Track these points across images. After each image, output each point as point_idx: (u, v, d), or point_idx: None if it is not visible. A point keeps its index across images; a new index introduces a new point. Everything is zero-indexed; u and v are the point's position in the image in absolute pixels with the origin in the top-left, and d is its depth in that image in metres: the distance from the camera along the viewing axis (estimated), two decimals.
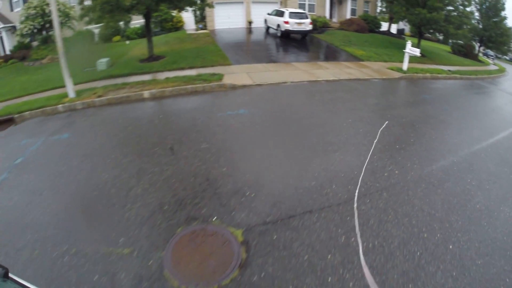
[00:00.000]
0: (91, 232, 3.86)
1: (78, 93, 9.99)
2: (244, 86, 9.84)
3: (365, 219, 3.92)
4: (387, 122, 7.23)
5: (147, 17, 13.60)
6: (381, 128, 6.80)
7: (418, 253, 3.53)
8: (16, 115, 9.56)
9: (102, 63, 13.94)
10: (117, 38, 24.41)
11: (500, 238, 3.90)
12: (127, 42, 22.07)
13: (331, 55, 16.14)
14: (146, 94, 9.46)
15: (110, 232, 3.76)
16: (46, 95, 10.88)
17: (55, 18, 9.78)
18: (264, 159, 5.31)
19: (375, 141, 6.11)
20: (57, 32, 9.77)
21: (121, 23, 19.79)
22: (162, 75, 11.07)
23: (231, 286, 3.00)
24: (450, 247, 3.70)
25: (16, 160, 6.00)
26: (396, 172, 5.02)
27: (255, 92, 9.29)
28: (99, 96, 9.70)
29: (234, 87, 9.78)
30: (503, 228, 4.10)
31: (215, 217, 3.90)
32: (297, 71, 11.86)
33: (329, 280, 3.04)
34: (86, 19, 12.98)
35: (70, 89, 10.09)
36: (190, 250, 3.43)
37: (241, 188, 4.44)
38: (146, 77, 10.99)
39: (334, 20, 27.12)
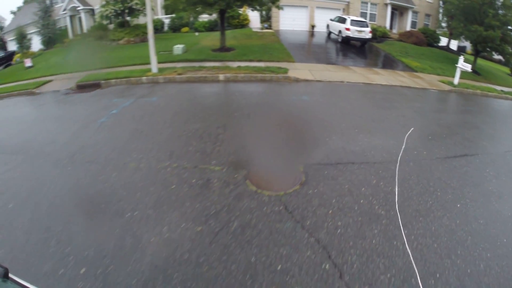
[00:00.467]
0: (189, 156, 5.77)
1: (160, 70, 12.16)
2: (306, 80, 11.56)
3: (391, 174, 5.45)
4: (425, 120, 8.58)
5: (222, 12, 15.77)
6: (419, 124, 8.16)
7: (430, 202, 4.84)
8: (102, 81, 11.88)
9: (178, 48, 16.28)
10: (186, 29, 27.16)
11: (505, 213, 4.82)
12: (196, 33, 24.56)
13: (387, 63, 17.21)
14: (221, 77, 11.45)
15: (204, 158, 5.67)
16: (128, 69, 13.39)
17: (148, 6, 11.99)
18: (319, 129, 7.03)
19: (411, 129, 7.51)
20: (148, 18, 12.07)
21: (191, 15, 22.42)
22: (233, 64, 13.04)
23: (292, 194, 4.69)
24: (458, 205, 4.85)
25: (112, 111, 8.21)
26: (424, 152, 6.47)
27: (315, 86, 10.97)
28: (179, 74, 11.82)
29: (297, 80, 11.53)
30: (509, 206, 5.02)
31: (283, 155, 5.72)
32: (354, 74, 13.34)
33: (361, 202, 4.66)
34: (169, 8, 15.30)
35: (154, 66, 12.33)
36: (267, 173, 5.24)
37: (301, 144, 6.20)
38: (219, 64, 13.01)
39: (394, 31, 27.88)
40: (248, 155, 5.79)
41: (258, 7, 17.00)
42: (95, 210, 4.34)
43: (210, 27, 26.40)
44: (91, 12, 30.47)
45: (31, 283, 1.59)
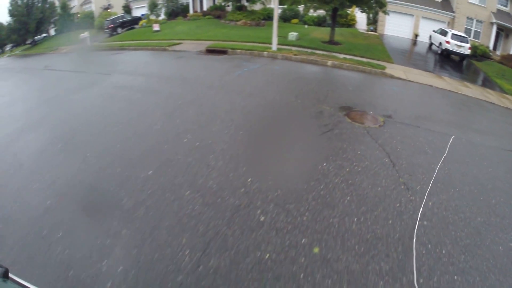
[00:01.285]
0: (308, 100, 9.29)
1: (278, 49, 16.13)
2: (398, 78, 14.59)
3: (443, 145, 8.24)
4: (494, 124, 11.03)
5: (335, 10, 19.23)
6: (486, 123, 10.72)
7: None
8: (229, 50, 16.19)
9: (293, 35, 20.11)
10: (296, 21, 30.97)
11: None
12: (306, 26, 28.08)
13: (479, 80, 18.58)
14: (329, 63, 15.01)
15: (319, 102, 9.17)
16: (250, 45, 17.65)
17: None
18: (398, 104, 10.25)
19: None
20: (275, 7, 16.15)
21: (301, 8, 26.17)
22: (339, 55, 16.51)
23: (373, 128, 7.83)
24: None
25: (244, 69, 12.23)
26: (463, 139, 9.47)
27: (406, 83, 13.81)
28: (295, 55, 15.61)
29: (392, 77, 14.65)
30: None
31: (371, 111, 9.11)
32: (444, 82, 15.82)
33: (416, 144, 7.89)
34: (290, 0, 19.45)
35: (274, 44, 16.30)
36: (359, 116, 8.70)
37: (384, 109, 9.56)
38: (327, 53, 16.56)
39: (497, 52, 27.87)
40: (347, 106, 9.14)
41: (367, 9, 19.86)
42: (247, 115, 8.27)
43: (318, 22, 30.06)
44: None
45: (31, 282, 1.72)
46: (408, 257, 3.86)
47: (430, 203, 5.01)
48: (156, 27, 28.59)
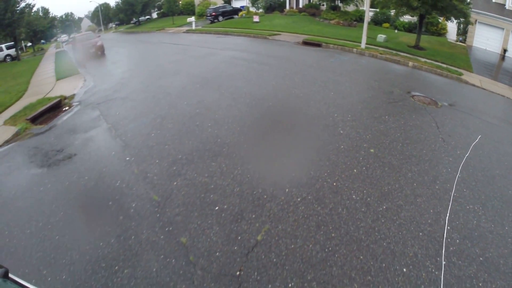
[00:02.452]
0: (384, 84, 12.11)
1: (366, 48, 18.97)
2: (473, 85, 16.63)
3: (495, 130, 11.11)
4: None
5: (422, 17, 21.26)
6: None
7: None
8: (323, 44, 19.41)
9: (381, 37, 22.68)
10: (387, 25, 32.92)
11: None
12: (396, 31, 29.99)
13: None
14: (410, 63, 17.56)
15: (392, 86, 11.96)
16: (341, 42, 20.48)
17: (367, 1, 18.83)
18: (461, 99, 12.57)
19: None
20: (366, 9, 18.91)
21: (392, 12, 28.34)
22: (421, 59, 18.95)
23: (433, 108, 10.37)
24: None
25: (336, 59, 15.31)
26: None
27: (478, 90, 15.51)
28: (380, 53, 18.32)
29: (466, 83, 16.69)
30: None
31: (434, 98, 11.89)
32: None
33: (468, 127, 10.66)
34: (379, 4, 21.96)
35: (363, 43, 19.11)
36: (422, 99, 11.29)
37: (446, 100, 12.20)
38: (410, 56, 19.09)
39: None
40: (415, 92, 11.63)
41: (452, 18, 21.36)
42: (337, 85, 11.51)
43: (409, 28, 31.87)
44: None
45: (31, 283, 1.78)
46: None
47: (457, 152, 7.49)
48: (256, 18, 32.59)
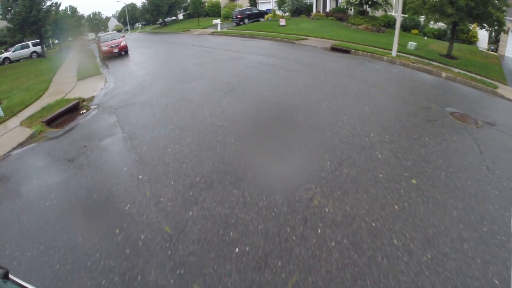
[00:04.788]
0: (420, 99, 11.15)
1: (397, 56, 17.84)
2: (509, 99, 15.53)
3: None
4: None
5: (455, 24, 19.96)
6: None
7: None
8: (352, 50, 18.35)
9: (412, 45, 21.43)
10: (415, 31, 31.29)
11: None
12: (425, 38, 28.47)
13: None
14: (443, 74, 16.34)
15: (428, 101, 11.01)
16: (370, 48, 19.40)
17: (399, 10, 17.70)
18: (500, 117, 11.48)
19: None
20: (398, 17, 17.82)
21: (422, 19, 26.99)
22: (454, 69, 17.71)
23: (471, 128, 9.45)
24: None
25: (367, 68, 14.32)
26: None
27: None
28: (412, 62, 17.14)
29: (502, 96, 15.39)
30: None
31: (473, 116, 10.71)
32: None
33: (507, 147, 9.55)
34: (410, 10, 20.72)
35: (394, 51, 17.98)
36: (461, 117, 10.17)
37: (486, 117, 11.03)
38: (442, 66, 17.87)
39: None
40: (452, 108, 10.50)
41: (487, 27, 19.87)
42: (371, 98, 10.47)
43: (438, 35, 30.33)
44: None
45: (31, 283, 1.75)
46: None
47: (503, 183, 6.37)
48: (282, 22, 31.71)
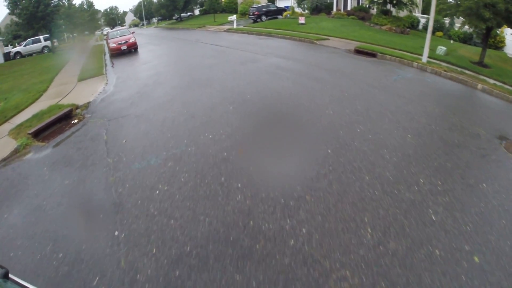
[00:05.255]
0: (452, 119, 9.16)
1: (427, 62, 15.78)
2: None
3: None
4: None
5: (489, 29, 17.88)
6: None
7: None
8: (378, 53, 16.33)
9: (441, 50, 19.35)
10: (440, 34, 29.30)
11: None
12: (451, 41, 26.36)
13: None
14: (479, 86, 14.24)
15: (469, 125, 9.01)
16: (398, 52, 17.55)
17: (432, 12, 15.78)
18: None
19: None
20: (431, 16, 15.85)
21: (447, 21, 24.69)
22: (489, 80, 15.56)
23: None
24: None
25: (399, 76, 12.52)
26: None
27: None
28: (444, 71, 15.13)
29: None
30: None
31: None
32: None
33: None
34: (442, 12, 18.59)
35: (425, 57, 15.99)
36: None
37: None
38: (476, 75, 15.70)
39: None
40: (502, 134, 8.57)
41: None
42: (411, 121, 8.55)
43: (464, 38, 28.06)
44: None
45: (31, 283, 1.70)
46: None
47: None
48: (302, 19, 29.76)
